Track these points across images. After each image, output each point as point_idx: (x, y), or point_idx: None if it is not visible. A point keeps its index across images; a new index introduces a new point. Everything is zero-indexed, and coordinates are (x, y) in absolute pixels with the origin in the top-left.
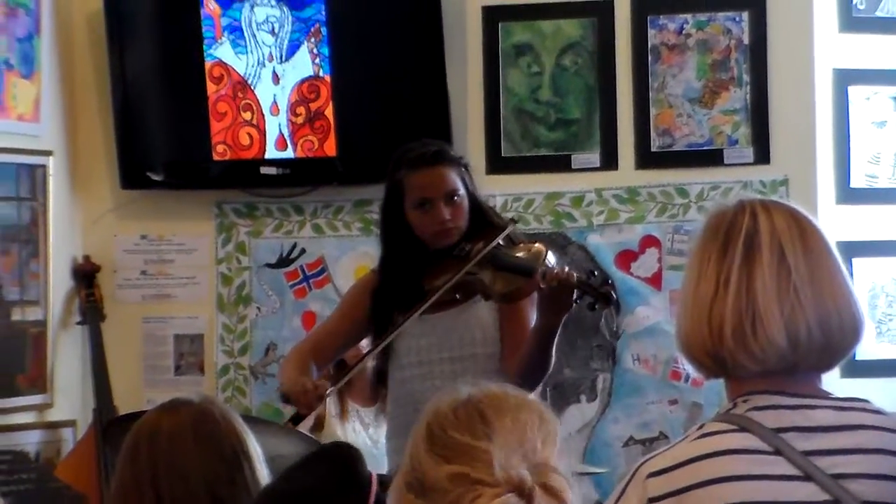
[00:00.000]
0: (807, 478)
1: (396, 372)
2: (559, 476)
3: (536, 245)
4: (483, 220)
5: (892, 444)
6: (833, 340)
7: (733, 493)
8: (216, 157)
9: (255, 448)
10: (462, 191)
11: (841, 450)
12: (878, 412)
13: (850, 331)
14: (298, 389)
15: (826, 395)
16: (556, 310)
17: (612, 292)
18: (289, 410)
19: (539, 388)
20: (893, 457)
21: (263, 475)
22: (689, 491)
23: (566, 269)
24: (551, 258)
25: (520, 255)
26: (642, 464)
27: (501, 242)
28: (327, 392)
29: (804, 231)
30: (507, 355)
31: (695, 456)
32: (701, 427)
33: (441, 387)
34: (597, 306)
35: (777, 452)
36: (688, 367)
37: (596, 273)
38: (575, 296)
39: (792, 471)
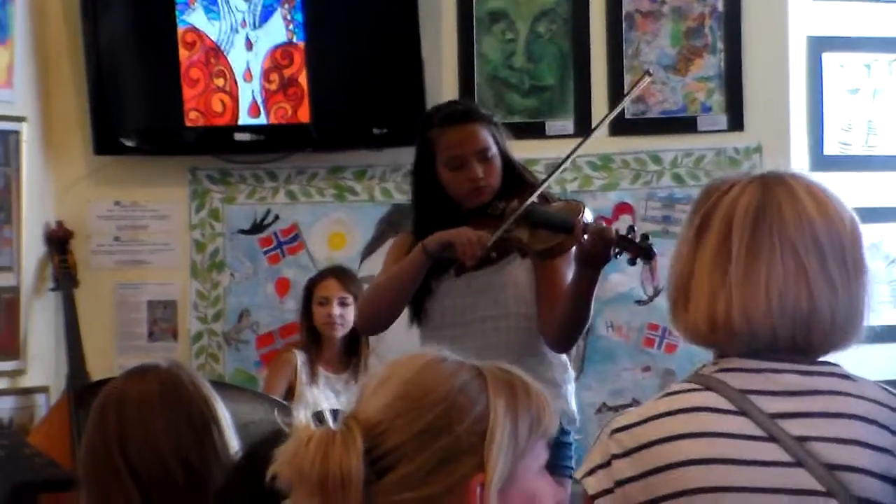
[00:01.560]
0: (770, 439)
1: (428, 332)
2: (353, 425)
3: (573, 201)
4: (515, 177)
5: (858, 409)
6: (759, 332)
7: (694, 449)
8: (188, 124)
9: (224, 413)
10: (494, 148)
11: (806, 413)
12: (846, 377)
13: (798, 327)
14: (464, 239)
15: (796, 360)
16: (594, 264)
17: (653, 247)
18: (261, 375)
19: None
20: (859, 421)
21: (232, 440)
22: (651, 447)
23: (605, 224)
24: (588, 213)
25: (557, 211)
26: (612, 420)
27: (536, 199)
28: (489, 243)
29: (762, 211)
30: (543, 313)
31: (659, 413)
32: (669, 387)
33: (472, 347)
34: (637, 261)
35: (742, 413)
36: (660, 333)
37: (635, 227)
38: (615, 251)
39: (756, 431)
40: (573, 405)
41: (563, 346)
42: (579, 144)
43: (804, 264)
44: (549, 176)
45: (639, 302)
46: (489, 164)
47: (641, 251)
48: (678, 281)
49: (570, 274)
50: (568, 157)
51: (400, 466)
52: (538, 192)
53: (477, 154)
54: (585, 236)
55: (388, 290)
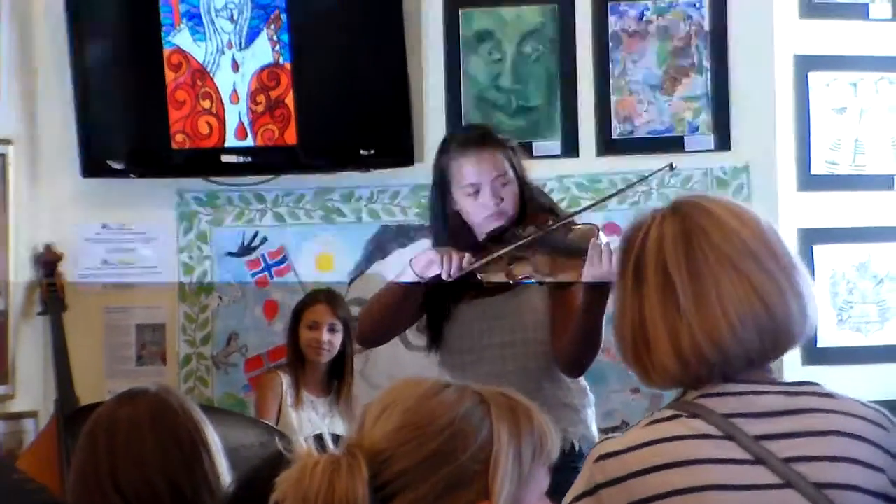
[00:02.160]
0: (758, 461)
1: (447, 357)
2: (358, 452)
3: (588, 226)
4: (533, 203)
5: (843, 426)
6: (731, 352)
7: (683, 478)
8: (175, 146)
9: (214, 437)
10: (511, 173)
11: (791, 433)
12: (828, 395)
13: (764, 334)
14: (444, 253)
15: (775, 381)
16: (604, 287)
17: None
18: (250, 398)
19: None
20: (844, 438)
21: (222, 465)
22: (639, 476)
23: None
24: (603, 237)
25: (572, 236)
26: (597, 445)
27: (553, 225)
28: (471, 265)
29: (690, 238)
30: (557, 338)
31: (645, 441)
32: (652, 414)
33: (489, 372)
34: None
35: (728, 437)
36: None
37: None
38: None
39: (743, 455)
40: (594, 430)
41: (576, 370)
42: (609, 197)
43: (746, 274)
44: (572, 215)
45: None
46: (505, 190)
47: None
48: (633, 333)
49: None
50: (547, 224)
51: (405, 494)
52: (562, 222)
53: (493, 181)
54: (597, 261)
55: (380, 305)
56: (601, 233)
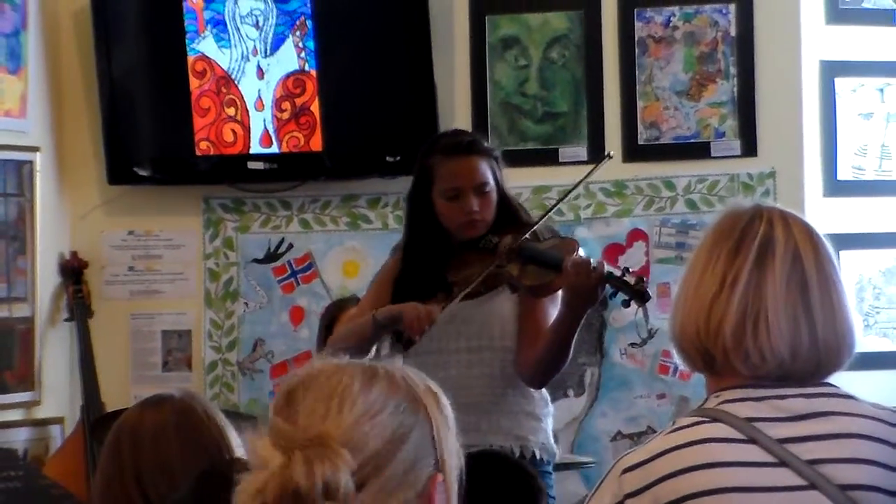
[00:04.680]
0: (781, 464)
1: (411, 358)
2: (330, 448)
3: (566, 239)
4: (510, 213)
5: (864, 429)
6: (824, 360)
7: (708, 480)
8: (199, 153)
9: (238, 443)
10: (492, 183)
11: (814, 436)
12: (847, 397)
13: (844, 354)
14: (413, 313)
15: (795, 385)
16: (582, 304)
17: (647, 290)
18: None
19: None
20: (866, 440)
21: None
22: (664, 481)
23: (600, 264)
24: (582, 252)
25: (549, 248)
26: (619, 459)
27: (529, 237)
28: (437, 317)
29: (818, 247)
30: (522, 348)
31: (669, 447)
32: (674, 422)
33: (455, 376)
34: (631, 303)
35: (751, 440)
36: (676, 360)
37: (630, 269)
38: (609, 292)
39: (766, 457)
40: (552, 440)
41: (538, 383)
42: (553, 206)
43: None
44: (539, 220)
45: (633, 345)
46: (485, 199)
47: (636, 293)
48: (744, 311)
49: (553, 313)
50: (546, 213)
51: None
52: (528, 233)
53: (475, 188)
54: (576, 276)
55: (345, 343)
56: (580, 248)
